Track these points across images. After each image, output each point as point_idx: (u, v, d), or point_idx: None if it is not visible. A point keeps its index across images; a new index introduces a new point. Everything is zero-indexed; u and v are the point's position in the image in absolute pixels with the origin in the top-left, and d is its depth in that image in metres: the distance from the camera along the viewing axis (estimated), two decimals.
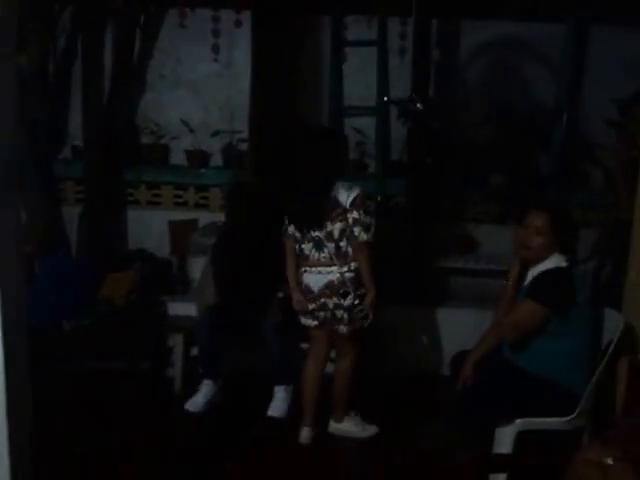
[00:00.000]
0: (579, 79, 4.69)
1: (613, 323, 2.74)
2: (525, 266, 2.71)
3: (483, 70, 4.68)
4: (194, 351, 3.81)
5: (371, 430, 3.30)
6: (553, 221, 2.58)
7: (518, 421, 2.57)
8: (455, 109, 4.73)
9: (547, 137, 4.75)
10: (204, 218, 4.48)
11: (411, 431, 3.34)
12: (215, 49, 4.56)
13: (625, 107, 3.86)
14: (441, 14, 4.34)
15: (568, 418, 2.57)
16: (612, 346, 2.63)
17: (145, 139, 4.57)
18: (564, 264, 2.60)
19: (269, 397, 3.48)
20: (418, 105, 3.76)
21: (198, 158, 4.53)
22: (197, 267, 4.14)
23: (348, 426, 3.28)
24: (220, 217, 4.31)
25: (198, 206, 4.61)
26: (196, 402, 3.49)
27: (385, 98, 4.11)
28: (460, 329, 4.00)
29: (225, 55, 4.55)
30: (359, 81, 4.57)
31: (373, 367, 3.68)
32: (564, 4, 4.40)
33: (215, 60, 4.56)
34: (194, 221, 4.53)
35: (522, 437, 2.58)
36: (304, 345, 3.97)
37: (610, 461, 1.46)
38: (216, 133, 4.46)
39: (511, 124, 4.69)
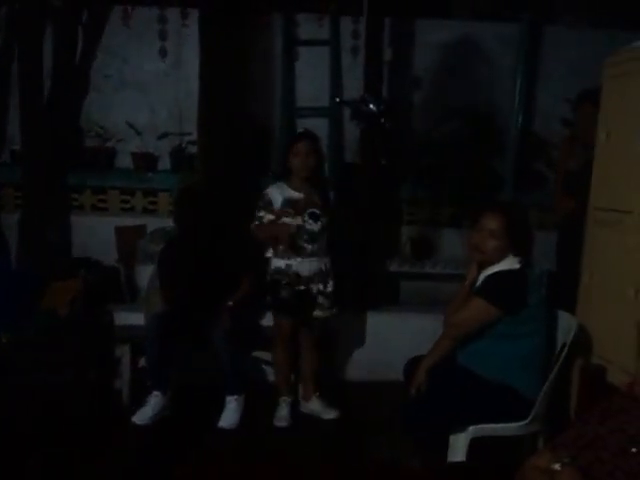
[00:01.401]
0: (533, 79, 4.70)
1: (567, 325, 2.72)
2: (480, 268, 2.66)
3: (436, 70, 4.65)
4: (142, 362, 3.69)
5: (334, 413, 3.51)
6: (507, 223, 2.55)
7: (472, 428, 2.53)
8: (408, 110, 4.69)
9: (502, 137, 4.75)
10: (152, 224, 4.33)
11: (363, 438, 3.32)
12: (162, 48, 4.42)
13: (573, 106, 3.86)
14: (394, 13, 4.27)
15: (522, 423, 2.55)
16: (565, 349, 2.60)
17: (90, 142, 4.40)
18: (517, 266, 2.57)
19: (220, 408, 3.39)
20: (371, 106, 3.70)
21: (145, 161, 4.38)
22: (145, 275, 4.01)
23: (315, 405, 3.54)
24: (169, 222, 4.19)
25: (146, 211, 4.47)
26: (144, 415, 3.37)
27: (337, 99, 4.03)
28: (413, 334, 3.98)
29: (172, 55, 4.43)
30: (311, 81, 4.50)
31: (324, 373, 3.66)
32: (517, 5, 4.40)
33: (162, 60, 4.42)
34: (142, 227, 4.38)
35: (476, 443, 2.53)
36: (255, 353, 3.92)
37: (558, 467, 1.45)
38: (164, 135, 4.32)
39: (465, 125, 4.67)
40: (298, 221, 3.26)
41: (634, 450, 1.38)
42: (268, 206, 3.29)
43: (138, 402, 3.45)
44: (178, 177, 4.27)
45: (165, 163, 4.43)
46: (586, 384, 1.96)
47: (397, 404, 3.03)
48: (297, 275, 3.29)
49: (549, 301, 2.66)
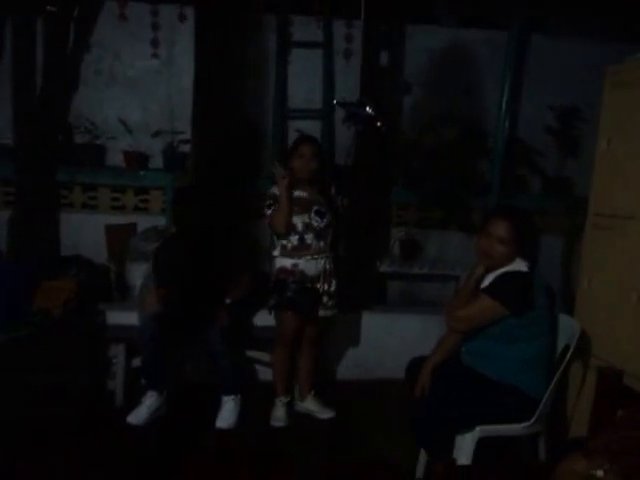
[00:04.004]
0: (519, 86, 4.79)
1: (568, 328, 2.79)
2: (487, 269, 2.71)
3: (426, 75, 4.71)
4: (136, 362, 3.66)
5: (329, 413, 3.56)
6: (515, 229, 2.59)
7: (479, 428, 2.56)
8: (399, 114, 4.73)
9: (489, 142, 4.83)
10: (144, 222, 4.28)
11: (359, 437, 3.35)
12: (155, 45, 4.36)
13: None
14: (388, 18, 4.30)
15: (528, 424, 2.59)
16: (570, 352, 2.67)
17: (80, 138, 4.31)
18: (525, 269, 2.61)
19: (218, 407, 3.40)
20: (368, 109, 3.71)
21: (137, 159, 4.32)
22: (136, 273, 3.96)
23: (310, 405, 3.59)
24: (161, 221, 4.16)
25: (137, 209, 4.40)
26: (139, 415, 3.35)
27: (335, 101, 4.05)
28: (402, 333, 4.05)
29: (166, 52, 4.36)
30: (304, 83, 4.51)
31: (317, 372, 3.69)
32: (507, 12, 4.48)
33: (155, 57, 4.37)
34: (132, 225, 4.33)
35: (481, 443, 2.57)
36: (251, 353, 3.92)
37: (600, 473, 1.43)
38: (157, 134, 4.27)
39: (454, 129, 4.74)
40: (305, 219, 3.30)
41: None
42: (275, 203, 3.30)
43: (132, 402, 3.42)
44: (170, 176, 4.23)
45: (157, 161, 4.37)
46: (604, 388, 2.00)
47: (391, 402, 3.09)
48: (303, 274, 3.33)
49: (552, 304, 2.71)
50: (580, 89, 4.43)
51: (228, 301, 3.49)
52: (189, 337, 3.49)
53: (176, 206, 3.60)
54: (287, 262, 3.34)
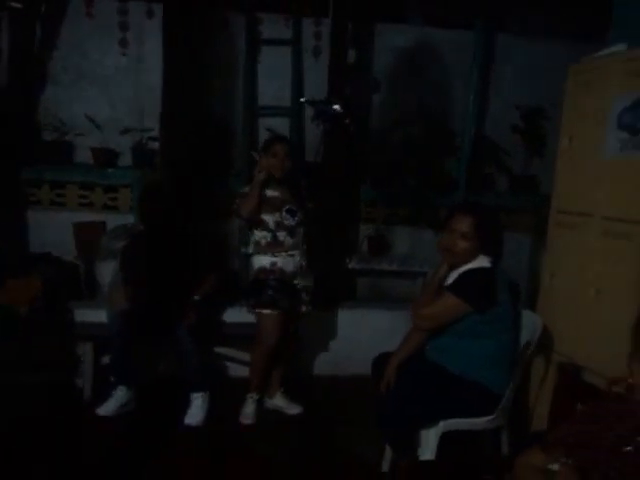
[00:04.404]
0: (486, 85, 4.86)
1: (530, 324, 2.84)
2: (451, 266, 2.74)
3: (394, 74, 4.75)
4: (105, 360, 3.64)
5: (297, 409, 3.59)
6: (477, 225, 2.60)
7: (442, 422, 2.60)
8: (367, 112, 4.77)
9: (456, 140, 4.89)
10: (113, 220, 4.26)
11: (328, 433, 3.36)
12: (123, 42, 4.33)
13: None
14: (356, 17, 4.33)
15: (490, 417, 2.63)
16: (531, 347, 2.72)
17: (48, 136, 4.27)
18: (488, 265, 2.64)
19: (187, 404, 3.39)
20: (336, 107, 3.73)
21: (106, 156, 4.28)
22: (105, 271, 3.93)
23: (279, 401, 3.61)
24: (130, 219, 4.14)
25: (106, 207, 4.37)
26: (108, 407, 3.38)
27: (303, 99, 4.06)
28: (372, 329, 4.08)
29: (134, 49, 4.33)
30: (273, 81, 4.52)
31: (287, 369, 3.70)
32: (474, 11, 4.54)
33: (123, 54, 4.34)
34: (101, 223, 4.30)
35: (445, 438, 2.61)
36: (220, 350, 3.93)
37: (557, 467, 1.45)
38: (125, 131, 4.24)
39: (422, 127, 4.79)
40: (276, 217, 3.31)
41: (628, 449, 1.39)
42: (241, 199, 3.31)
43: (101, 400, 3.41)
44: (139, 173, 4.21)
45: (126, 159, 4.34)
46: (564, 382, 2.05)
47: (359, 398, 3.11)
48: (282, 271, 3.35)
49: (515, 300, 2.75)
50: (545, 88, 4.50)
51: (196, 298, 3.49)
52: (157, 335, 3.50)
53: (143, 204, 3.58)
54: (265, 261, 3.34)
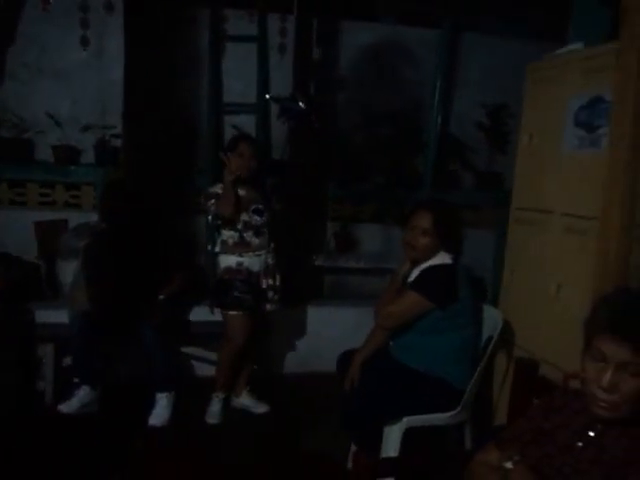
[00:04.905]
0: (452, 83, 4.89)
1: (491, 319, 2.87)
2: (413, 263, 2.76)
3: (361, 71, 4.75)
4: (67, 361, 3.59)
5: (264, 407, 3.59)
6: (437, 221, 2.64)
7: (405, 419, 2.62)
8: (333, 109, 4.76)
9: (422, 138, 4.91)
10: (75, 218, 4.17)
11: (294, 432, 3.36)
12: (84, 37, 4.23)
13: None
14: (322, 13, 4.33)
15: (453, 413, 2.67)
16: (493, 342, 2.75)
17: (6, 133, 4.16)
18: (449, 261, 2.67)
19: (152, 404, 3.36)
20: (300, 104, 3.72)
21: (67, 154, 4.19)
22: (67, 271, 3.88)
23: (246, 400, 3.61)
24: (93, 217, 4.07)
25: (68, 205, 4.28)
26: (70, 405, 3.37)
27: (268, 95, 4.03)
28: (339, 326, 4.09)
29: (95, 44, 4.23)
30: (238, 77, 4.47)
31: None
32: (439, 10, 4.56)
33: (84, 49, 4.24)
34: (63, 221, 4.22)
35: (409, 434, 2.62)
36: (187, 349, 3.90)
37: (510, 465, 1.44)
38: (87, 128, 4.16)
39: (388, 125, 4.80)
40: (244, 217, 3.30)
41: (580, 444, 1.39)
42: (216, 199, 3.27)
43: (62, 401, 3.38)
44: (102, 171, 4.13)
45: (89, 156, 4.26)
46: (521, 378, 2.06)
47: (327, 396, 3.12)
48: (249, 271, 3.34)
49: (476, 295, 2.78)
50: (509, 86, 4.52)
51: (161, 297, 3.47)
52: (122, 334, 3.46)
53: (104, 202, 3.54)
54: (232, 261, 3.32)
